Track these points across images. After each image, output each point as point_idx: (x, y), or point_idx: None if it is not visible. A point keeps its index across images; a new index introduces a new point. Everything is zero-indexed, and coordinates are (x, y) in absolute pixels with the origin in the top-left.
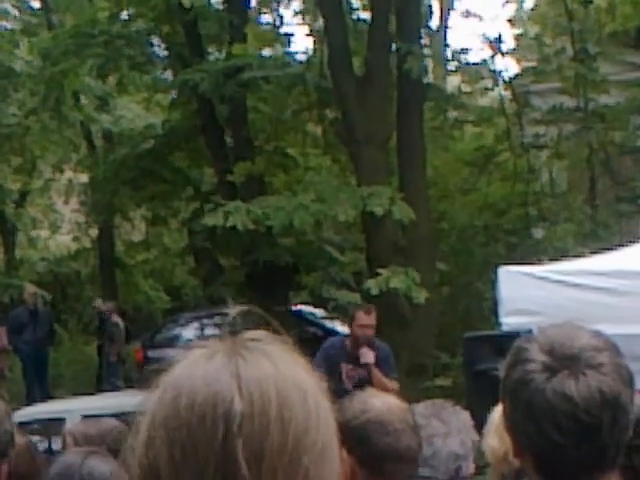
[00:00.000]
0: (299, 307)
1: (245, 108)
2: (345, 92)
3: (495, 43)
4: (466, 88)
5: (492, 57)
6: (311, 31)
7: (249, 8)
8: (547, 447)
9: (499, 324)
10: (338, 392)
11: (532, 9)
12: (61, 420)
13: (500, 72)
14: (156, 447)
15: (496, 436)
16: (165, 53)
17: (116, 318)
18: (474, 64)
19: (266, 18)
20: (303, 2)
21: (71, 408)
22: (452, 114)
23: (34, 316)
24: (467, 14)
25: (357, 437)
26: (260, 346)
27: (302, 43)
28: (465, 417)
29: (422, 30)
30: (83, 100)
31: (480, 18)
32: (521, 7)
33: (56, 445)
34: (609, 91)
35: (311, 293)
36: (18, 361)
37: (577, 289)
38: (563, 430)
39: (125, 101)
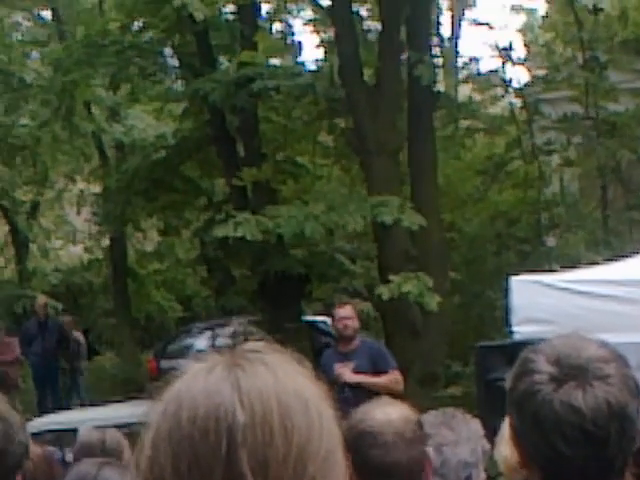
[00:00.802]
0: (312, 317)
1: (256, 118)
2: (356, 101)
3: (505, 52)
4: (477, 97)
5: (503, 66)
6: (322, 41)
7: (260, 18)
8: (554, 458)
9: (511, 333)
10: (340, 397)
11: (543, 17)
12: (74, 431)
13: (510, 80)
14: (161, 461)
15: (508, 445)
16: (176, 63)
17: (77, 333)
18: (485, 73)
19: (277, 28)
20: (313, 12)
21: (83, 419)
22: (463, 123)
23: (43, 327)
24: (477, 23)
25: (349, 447)
26: (260, 357)
27: (312, 53)
28: (475, 425)
29: (433, 39)
30: (95, 110)
31: (490, 27)
32: (532, 16)
33: (69, 456)
34: (618, 99)
35: (323, 303)
36: (30, 372)
37: (589, 297)
38: (570, 441)
39: (136, 111)
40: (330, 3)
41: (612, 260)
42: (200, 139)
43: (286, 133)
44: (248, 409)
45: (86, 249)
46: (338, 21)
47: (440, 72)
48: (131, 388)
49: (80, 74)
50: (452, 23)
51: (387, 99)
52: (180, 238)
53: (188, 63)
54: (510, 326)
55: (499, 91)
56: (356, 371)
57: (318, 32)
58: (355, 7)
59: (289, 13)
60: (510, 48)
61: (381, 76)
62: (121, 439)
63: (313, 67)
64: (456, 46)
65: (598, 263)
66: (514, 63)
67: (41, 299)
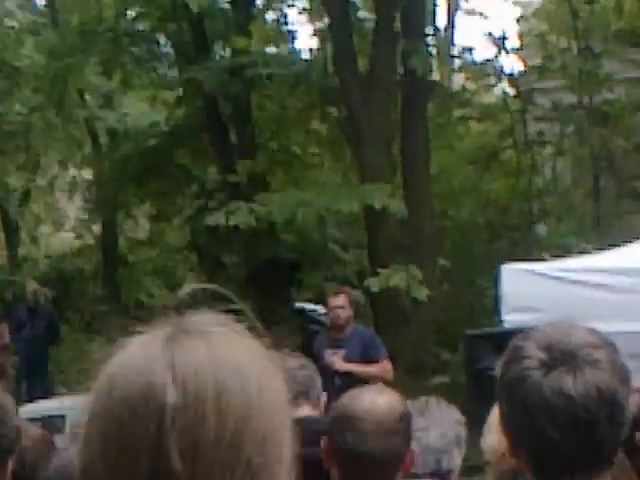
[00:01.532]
0: (301, 304)
1: (249, 106)
2: (349, 90)
3: (500, 41)
4: (471, 86)
5: (497, 55)
6: (316, 30)
7: (254, 7)
8: (543, 444)
9: (501, 321)
10: (331, 387)
11: (538, 7)
12: (62, 417)
13: (504, 69)
14: (92, 443)
15: (496, 434)
16: (171, 51)
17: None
18: (479, 62)
19: (271, 16)
20: (308, 1)
21: (72, 405)
22: (456, 112)
23: (33, 313)
24: (472, 12)
25: (331, 426)
26: (202, 331)
27: (306, 42)
28: (449, 411)
29: (427, 28)
30: (88, 97)
31: (485, 16)
32: (527, 7)
33: (59, 442)
34: (613, 89)
35: (314, 290)
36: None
37: (580, 286)
38: (560, 426)
39: (130, 99)
40: None
41: (603, 249)
42: (193, 126)
43: (279, 121)
44: (180, 388)
45: (77, 236)
46: (332, 10)
47: (434, 61)
48: None
49: (73, 60)
50: (448, 12)
51: (381, 88)
52: (171, 225)
53: (183, 51)
54: (500, 314)
55: (493, 80)
56: (347, 359)
57: (312, 21)
58: None
59: (283, 2)
60: (504, 37)
61: (375, 65)
62: None
63: (307, 56)
64: (451, 35)
65: (589, 252)
66: (508, 52)
67: (30, 285)
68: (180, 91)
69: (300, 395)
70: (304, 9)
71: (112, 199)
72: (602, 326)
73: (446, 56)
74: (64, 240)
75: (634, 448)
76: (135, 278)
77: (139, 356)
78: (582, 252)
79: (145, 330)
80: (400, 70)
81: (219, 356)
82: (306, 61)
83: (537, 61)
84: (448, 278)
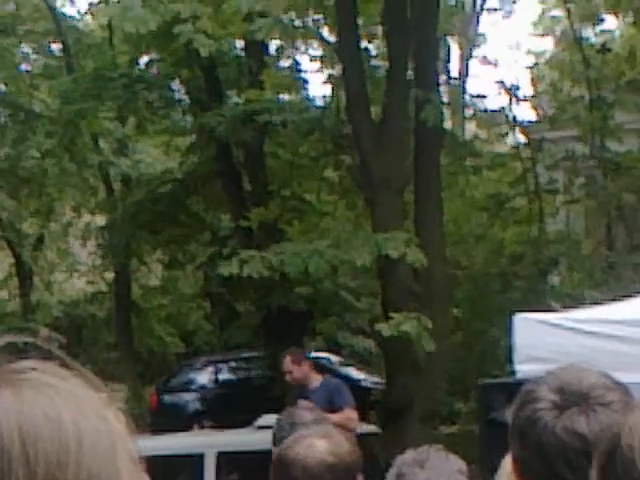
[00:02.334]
0: (315, 354)
1: (262, 153)
2: (362, 138)
3: (512, 90)
4: (483, 134)
5: (509, 103)
6: (329, 77)
7: (267, 54)
8: None
9: (513, 372)
10: None
11: (551, 55)
12: None
13: (515, 118)
14: None
15: None
16: (184, 97)
17: None
18: (491, 111)
19: (284, 64)
20: (322, 49)
21: None
22: (468, 160)
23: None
24: (485, 61)
25: (275, 466)
26: (13, 379)
27: (319, 89)
28: (452, 462)
29: (441, 77)
30: (102, 143)
31: (496, 65)
32: (540, 55)
33: None
34: (623, 140)
35: (326, 339)
36: None
37: (592, 337)
38: (574, 468)
39: (144, 145)
40: (337, 40)
41: (615, 300)
42: (206, 173)
43: (292, 169)
44: None
45: (90, 282)
46: (345, 58)
47: (446, 109)
48: (132, 422)
49: (87, 105)
50: (460, 60)
51: (393, 136)
52: (184, 272)
53: (196, 97)
54: (512, 364)
55: (505, 129)
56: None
57: (325, 68)
58: (363, 44)
59: (297, 49)
60: (516, 86)
61: (388, 113)
62: None
63: (320, 103)
64: (463, 83)
65: (601, 302)
66: (520, 100)
67: (43, 332)
68: (193, 137)
69: None
70: (316, 57)
71: (125, 246)
72: (616, 377)
73: (458, 104)
74: (77, 286)
75: None
76: (147, 325)
77: None
78: (594, 302)
79: None
80: (413, 118)
81: (28, 403)
82: (319, 108)
83: (549, 109)
84: (460, 327)
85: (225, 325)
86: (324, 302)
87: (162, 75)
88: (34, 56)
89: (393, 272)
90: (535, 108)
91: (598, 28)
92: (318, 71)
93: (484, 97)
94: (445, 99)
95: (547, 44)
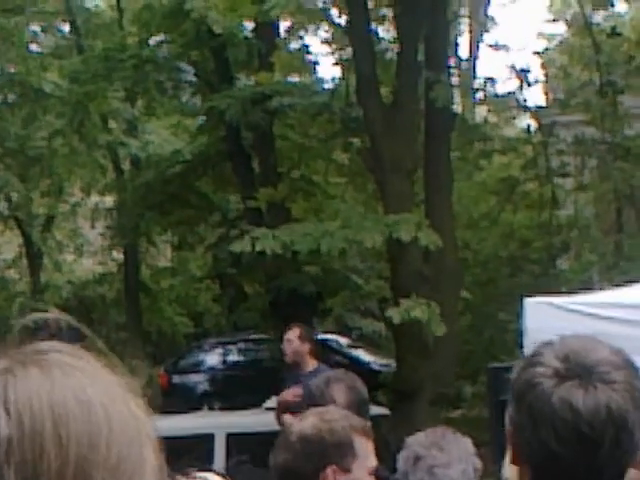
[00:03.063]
0: (324, 335)
1: (272, 135)
2: (372, 120)
3: (522, 74)
4: (493, 118)
5: (519, 88)
6: (339, 59)
7: (278, 36)
8: (543, 455)
9: (523, 355)
10: None
11: (561, 40)
12: None
13: (526, 102)
14: None
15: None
16: (194, 79)
17: None
18: (501, 95)
19: (294, 46)
20: (332, 32)
21: None
22: (478, 144)
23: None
24: (495, 46)
25: None
26: (40, 359)
27: (329, 71)
28: (466, 444)
29: (451, 60)
30: (111, 124)
31: (507, 50)
32: (550, 39)
33: None
34: (631, 125)
35: (336, 321)
36: None
37: (605, 321)
38: (561, 439)
39: (153, 126)
40: (348, 22)
41: (625, 284)
42: (215, 155)
43: (301, 151)
44: (15, 420)
45: (99, 263)
46: (355, 40)
47: (457, 93)
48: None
49: (96, 86)
50: (470, 44)
51: (403, 119)
52: (193, 253)
53: (205, 79)
54: (522, 348)
55: (515, 113)
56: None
57: (335, 51)
58: (373, 26)
59: (306, 31)
60: (527, 70)
61: (398, 95)
62: None
63: (330, 85)
64: (474, 67)
65: (611, 287)
66: (530, 85)
67: (52, 312)
68: (202, 119)
69: None
70: (327, 39)
71: (134, 227)
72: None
73: (468, 88)
74: (86, 267)
75: None
76: (157, 306)
77: None
78: (604, 287)
79: None
80: (423, 100)
81: (58, 385)
82: (329, 91)
83: (560, 94)
84: (470, 310)
85: (234, 307)
86: (333, 284)
87: (172, 56)
88: (43, 36)
89: (403, 255)
90: (546, 92)
91: (608, 12)
92: (328, 54)
93: (494, 81)
94: (455, 82)
95: (558, 28)
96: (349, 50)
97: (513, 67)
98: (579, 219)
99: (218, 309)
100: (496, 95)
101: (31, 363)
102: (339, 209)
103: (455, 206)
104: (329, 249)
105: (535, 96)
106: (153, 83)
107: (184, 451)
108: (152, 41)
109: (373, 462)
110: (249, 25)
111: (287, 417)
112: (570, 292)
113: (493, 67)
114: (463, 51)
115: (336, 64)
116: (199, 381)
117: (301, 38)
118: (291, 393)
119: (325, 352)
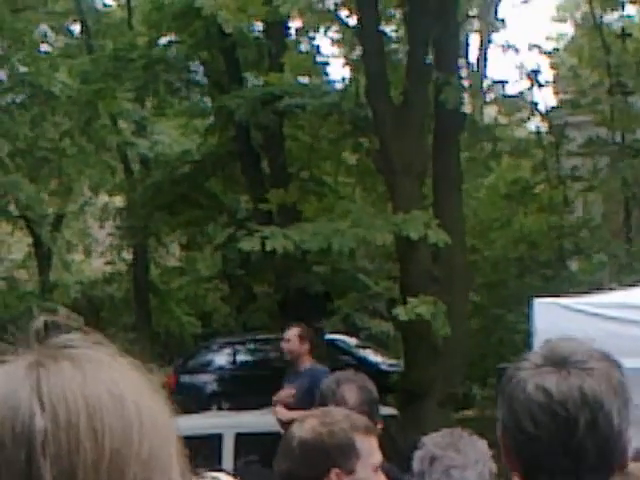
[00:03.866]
0: (332, 336)
1: (282, 135)
2: (382, 121)
3: (532, 75)
4: (503, 119)
5: (529, 89)
6: (349, 60)
7: (288, 36)
8: (524, 442)
9: None
10: None
11: (570, 41)
12: None
13: (537, 104)
14: None
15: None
16: (204, 79)
17: None
18: (511, 96)
19: (304, 46)
20: (342, 32)
21: None
22: (489, 145)
23: None
24: (505, 47)
25: None
26: (69, 352)
27: (339, 72)
28: (482, 447)
29: (460, 61)
30: (121, 124)
31: (517, 50)
32: (560, 40)
33: None
34: None
35: (344, 321)
36: None
37: (613, 322)
38: (538, 422)
39: (162, 126)
40: (358, 22)
41: (635, 285)
42: (225, 155)
43: (311, 151)
44: (49, 413)
45: (108, 263)
46: (365, 40)
47: (467, 94)
48: None
49: (106, 86)
50: (480, 45)
51: (413, 119)
52: (202, 254)
53: (215, 79)
54: (532, 349)
55: (525, 114)
56: (295, 397)
57: (345, 52)
58: (382, 27)
59: (317, 31)
60: (537, 71)
61: (408, 96)
62: None
63: (339, 86)
64: (484, 68)
65: (621, 288)
66: (540, 86)
67: (61, 312)
68: (212, 119)
69: None
70: (337, 40)
71: (143, 226)
72: (635, 362)
73: (478, 89)
74: (95, 267)
75: None
76: (166, 306)
77: (3, 382)
78: (614, 288)
79: (8, 359)
80: (433, 101)
81: (90, 378)
82: (338, 91)
83: (569, 95)
84: (479, 312)
85: (243, 307)
86: (342, 285)
87: (181, 56)
88: (53, 36)
89: (413, 254)
90: (557, 93)
91: (618, 14)
92: (338, 55)
93: (504, 82)
94: (465, 84)
95: (568, 29)
96: (359, 50)
97: (523, 67)
98: (589, 220)
99: (227, 309)
100: (506, 96)
101: (62, 357)
102: (349, 209)
103: (465, 208)
104: (340, 247)
105: (545, 97)
106: (163, 83)
107: (192, 451)
108: (162, 41)
109: (378, 458)
110: (259, 25)
111: (278, 409)
112: (579, 294)
113: (503, 68)
114: (473, 52)
115: (346, 64)
116: (208, 381)
117: (312, 39)
118: (284, 394)
119: (333, 352)
